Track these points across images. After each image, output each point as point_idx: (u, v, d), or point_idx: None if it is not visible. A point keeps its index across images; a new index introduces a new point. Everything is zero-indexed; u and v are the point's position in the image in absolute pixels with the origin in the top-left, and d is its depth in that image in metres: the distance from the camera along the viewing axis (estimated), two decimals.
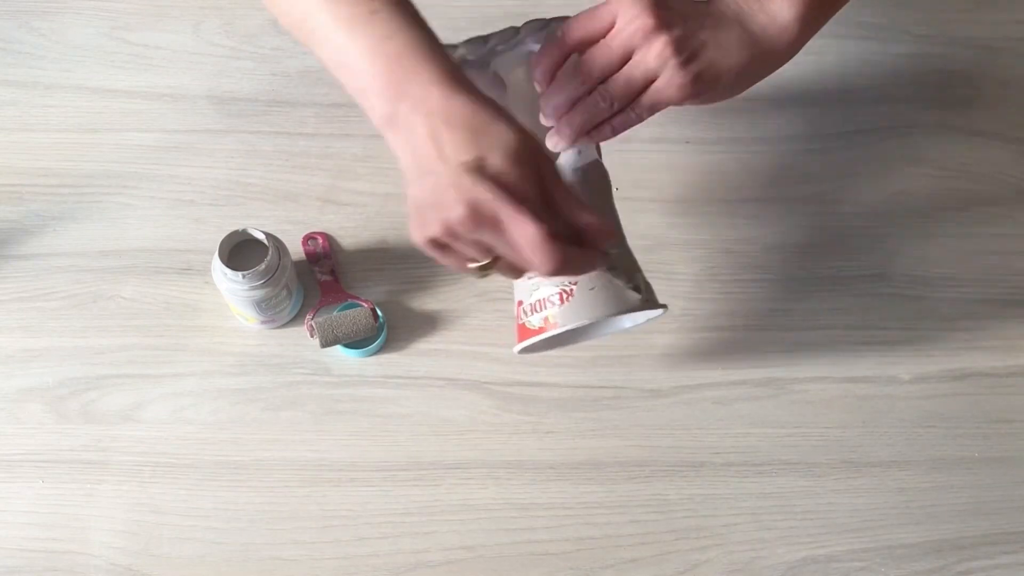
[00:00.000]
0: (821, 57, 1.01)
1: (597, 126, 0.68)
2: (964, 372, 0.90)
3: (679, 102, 0.66)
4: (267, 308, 0.84)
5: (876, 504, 0.85)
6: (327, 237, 0.91)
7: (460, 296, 0.90)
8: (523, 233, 0.56)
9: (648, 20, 0.63)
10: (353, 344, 0.86)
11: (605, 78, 0.66)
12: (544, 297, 0.70)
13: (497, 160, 0.56)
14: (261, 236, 0.82)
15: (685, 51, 0.64)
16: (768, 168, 0.98)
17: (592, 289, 0.69)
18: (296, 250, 0.90)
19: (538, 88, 0.69)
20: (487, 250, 0.60)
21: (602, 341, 0.88)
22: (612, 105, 0.66)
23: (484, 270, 0.61)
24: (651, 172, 0.96)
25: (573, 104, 0.67)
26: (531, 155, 0.58)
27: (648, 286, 0.73)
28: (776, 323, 0.91)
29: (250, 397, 0.86)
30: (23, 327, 0.87)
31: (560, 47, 0.67)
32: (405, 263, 0.91)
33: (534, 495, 0.84)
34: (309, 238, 0.91)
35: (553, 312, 0.70)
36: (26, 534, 0.80)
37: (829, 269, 0.94)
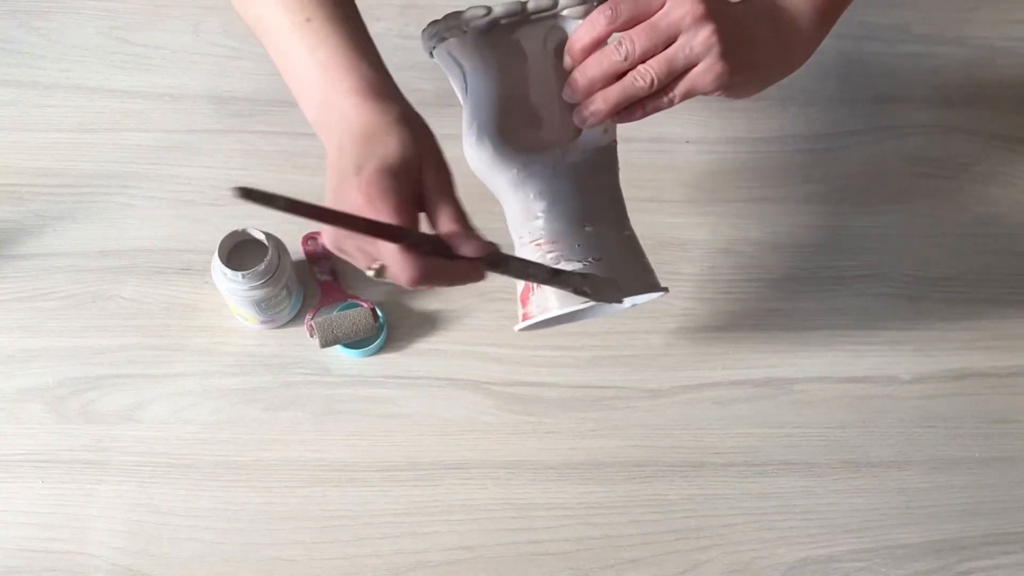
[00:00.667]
0: (821, 57, 1.00)
1: (629, 107, 0.68)
2: (964, 372, 0.90)
3: (712, 91, 0.67)
4: (267, 308, 0.84)
5: (876, 504, 0.85)
6: None
7: (460, 296, 0.90)
8: (382, 244, 0.57)
9: (699, 7, 0.65)
10: (353, 344, 0.86)
11: (645, 58, 0.66)
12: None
13: (370, 169, 0.57)
14: (261, 236, 0.82)
15: (728, 42, 0.65)
16: (768, 168, 0.98)
17: (613, 268, 0.70)
18: (296, 250, 0.90)
19: (569, 60, 0.69)
20: (374, 256, 0.60)
21: (602, 341, 0.88)
22: (651, 85, 0.67)
23: (378, 274, 0.61)
24: (651, 172, 0.96)
25: (608, 80, 0.67)
26: (406, 167, 0.58)
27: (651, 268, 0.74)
28: (776, 323, 0.91)
29: (250, 397, 0.86)
30: (23, 327, 0.87)
31: (607, 22, 0.67)
32: None
33: (534, 495, 0.84)
34: (309, 238, 0.91)
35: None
36: (26, 534, 0.80)
37: (829, 269, 0.94)
